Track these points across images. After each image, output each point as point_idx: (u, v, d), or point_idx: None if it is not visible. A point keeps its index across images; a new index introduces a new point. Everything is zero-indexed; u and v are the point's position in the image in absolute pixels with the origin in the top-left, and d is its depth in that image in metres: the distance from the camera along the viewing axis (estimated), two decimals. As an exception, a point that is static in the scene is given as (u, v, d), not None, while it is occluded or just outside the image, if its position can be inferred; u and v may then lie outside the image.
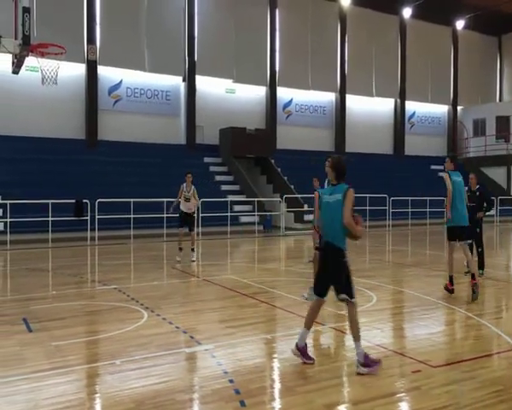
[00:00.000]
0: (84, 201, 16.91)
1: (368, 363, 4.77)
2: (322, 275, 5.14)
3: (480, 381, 4.57)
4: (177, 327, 6.39)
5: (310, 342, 5.84)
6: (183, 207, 12.26)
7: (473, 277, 7.95)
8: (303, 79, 27.93)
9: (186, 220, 12.25)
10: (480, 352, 5.39)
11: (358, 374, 4.73)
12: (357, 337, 4.89)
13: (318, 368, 4.99)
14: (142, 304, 7.55)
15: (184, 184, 12.23)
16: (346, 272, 4.94)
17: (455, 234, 8.13)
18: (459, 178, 8.14)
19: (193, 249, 12.19)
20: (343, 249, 4.97)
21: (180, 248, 12.14)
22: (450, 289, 8.17)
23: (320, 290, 5.13)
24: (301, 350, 5.05)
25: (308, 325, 5.15)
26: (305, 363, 4.99)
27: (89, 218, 16.39)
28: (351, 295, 4.94)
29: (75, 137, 21.97)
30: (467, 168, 30.41)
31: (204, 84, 25.12)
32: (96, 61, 22.33)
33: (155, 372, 4.82)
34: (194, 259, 12.10)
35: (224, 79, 25.60)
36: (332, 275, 5.01)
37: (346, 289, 4.93)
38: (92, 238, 16.14)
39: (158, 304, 7.57)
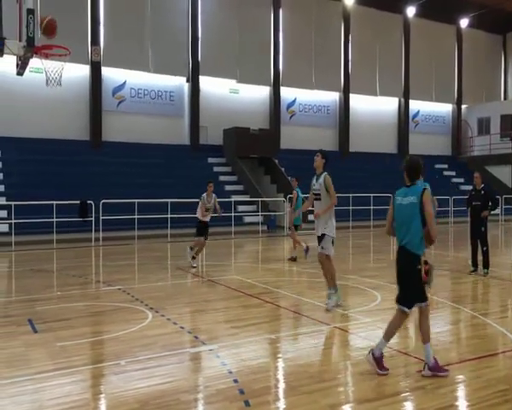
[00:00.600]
0: (89, 202, 16.95)
1: (436, 368, 4.64)
2: (399, 282, 4.91)
3: (485, 380, 4.55)
4: (182, 327, 6.40)
5: (314, 341, 5.84)
6: (201, 216, 11.61)
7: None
8: (307, 78, 27.90)
9: (204, 229, 11.58)
10: (485, 351, 5.37)
11: (423, 376, 4.62)
12: (426, 340, 4.75)
13: (322, 368, 4.98)
14: (146, 305, 7.56)
15: (205, 194, 11.59)
16: (418, 279, 4.73)
17: None
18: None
19: (194, 257, 11.57)
20: (419, 255, 4.74)
21: (194, 257, 11.50)
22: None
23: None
24: (377, 359, 4.81)
25: (387, 336, 4.92)
26: (378, 374, 4.72)
27: (93, 219, 16.43)
28: (422, 300, 4.77)
29: (79, 138, 22.04)
30: (471, 167, 30.33)
31: (208, 84, 25.14)
32: (99, 63, 22.39)
33: (160, 373, 4.83)
34: (195, 265, 11.50)
35: (227, 80, 25.61)
36: (402, 281, 4.84)
37: (414, 297, 4.76)
38: (97, 239, 16.19)
39: (162, 304, 7.58)
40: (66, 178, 18.99)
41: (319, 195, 7.33)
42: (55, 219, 15.81)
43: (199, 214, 11.69)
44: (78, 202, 17.18)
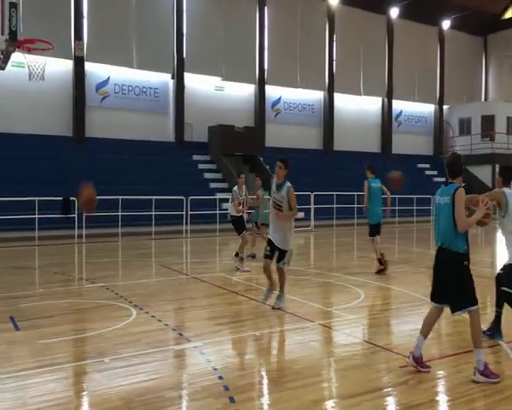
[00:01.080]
0: (72, 198, 16.77)
1: (487, 373, 4.50)
2: (439, 283, 4.76)
3: (466, 375, 4.64)
4: (166, 325, 6.40)
5: (298, 338, 5.89)
6: (233, 211, 10.93)
7: (379, 262, 10.06)
8: (291, 77, 27.99)
9: (242, 224, 10.79)
10: (465, 347, 5.47)
11: (474, 382, 4.49)
12: (478, 345, 4.60)
13: (306, 364, 5.02)
14: (130, 302, 7.53)
15: (236, 187, 10.91)
16: (467, 278, 4.62)
17: (375, 230, 10.19)
18: (377, 185, 10.37)
19: (238, 255, 10.50)
20: (463, 253, 4.61)
21: (241, 258, 10.47)
22: (380, 269, 9.98)
23: (438, 299, 4.80)
24: (417, 360, 4.74)
25: (425, 333, 4.83)
26: (420, 372, 4.69)
27: (76, 215, 16.26)
28: (471, 303, 4.63)
29: (62, 133, 21.78)
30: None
31: (193, 81, 25.05)
32: (83, 58, 22.15)
33: (144, 370, 4.83)
34: (246, 268, 10.38)
35: (212, 77, 25.56)
36: (449, 284, 4.65)
37: (465, 300, 4.62)
38: (80, 236, 16.02)
39: (146, 302, 7.56)
40: (48, 174, 18.75)
41: (280, 206, 7.00)
42: (37, 216, 15.62)
43: (232, 210, 10.92)
44: (61, 198, 16.98)
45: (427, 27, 32.93)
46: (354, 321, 6.60)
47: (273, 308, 7.05)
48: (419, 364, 4.73)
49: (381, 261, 10.03)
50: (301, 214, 21.36)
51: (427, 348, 5.57)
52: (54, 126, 21.54)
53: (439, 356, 5.29)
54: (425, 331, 4.84)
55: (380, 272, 9.97)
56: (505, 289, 5.54)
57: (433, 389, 4.45)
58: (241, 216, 10.94)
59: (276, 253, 7.12)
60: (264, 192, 11.75)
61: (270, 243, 7.13)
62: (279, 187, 7.05)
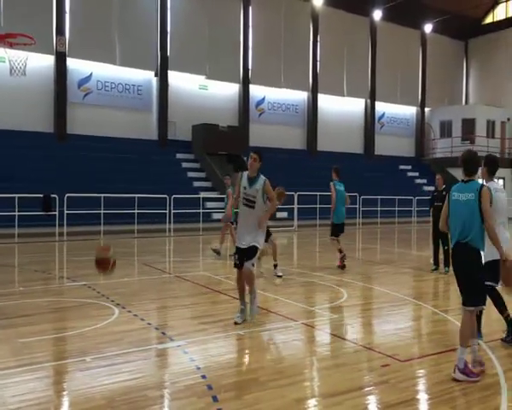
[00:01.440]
0: (53, 195, 16.56)
1: (467, 372, 4.53)
2: (458, 281, 4.75)
3: (446, 374, 4.72)
4: (149, 323, 6.36)
5: (281, 337, 5.91)
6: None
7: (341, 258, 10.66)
8: (275, 77, 28.06)
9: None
10: (445, 346, 5.56)
11: (454, 380, 4.54)
12: (465, 343, 4.61)
13: (290, 363, 5.05)
14: (112, 301, 7.46)
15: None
16: (483, 277, 4.67)
17: (338, 229, 10.80)
18: (342, 187, 10.84)
19: (276, 265, 9.77)
20: (481, 250, 4.65)
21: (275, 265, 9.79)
22: (341, 265, 10.61)
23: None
24: (464, 372, 4.56)
25: (464, 342, 4.65)
26: (470, 381, 4.53)
27: (57, 213, 16.05)
28: (483, 302, 4.67)
29: (43, 130, 21.48)
30: (434, 169, 31.18)
31: (177, 79, 24.93)
32: (65, 53, 21.87)
33: (127, 369, 4.79)
34: (280, 273, 9.65)
35: (196, 75, 25.47)
36: (468, 279, 4.65)
37: (479, 297, 4.64)
38: (61, 234, 15.82)
39: (129, 300, 7.50)
40: (29, 171, 18.47)
41: (253, 202, 6.26)
42: (17, 213, 15.36)
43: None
44: (42, 195, 16.74)
45: (409, 30, 33.32)
46: (337, 321, 6.65)
47: (236, 324, 6.27)
48: (467, 375, 4.55)
49: (342, 259, 10.73)
50: (284, 214, 21.44)
51: (409, 347, 5.66)
52: (35, 122, 21.23)
53: (420, 355, 5.36)
54: (464, 341, 4.68)
55: (342, 267, 10.64)
56: (489, 283, 5.61)
57: (413, 388, 4.52)
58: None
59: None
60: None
61: (237, 251, 6.38)
62: (252, 181, 6.31)
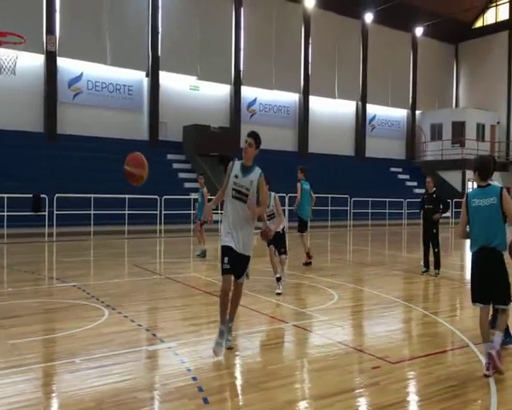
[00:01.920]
0: (42, 196, 16.42)
1: (499, 355, 4.64)
2: (483, 283, 4.80)
3: (436, 376, 4.74)
4: (140, 325, 6.32)
5: (272, 339, 5.90)
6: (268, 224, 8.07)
7: (307, 255, 11.36)
8: (267, 78, 28.10)
9: (274, 239, 7.97)
10: (435, 348, 5.59)
11: (485, 376, 4.63)
12: (487, 338, 4.76)
13: (281, 365, 5.04)
14: (102, 302, 7.41)
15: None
16: (508, 276, 4.74)
17: (304, 226, 11.59)
18: (307, 186, 11.39)
19: (279, 279, 8.42)
20: (503, 253, 4.74)
21: (278, 278, 8.46)
22: (308, 262, 11.26)
23: (485, 299, 4.83)
24: (498, 352, 4.64)
25: (486, 338, 4.79)
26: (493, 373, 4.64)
27: (47, 213, 15.93)
28: (508, 302, 4.76)
29: (33, 129, 21.33)
30: (424, 171, 31.40)
31: (168, 80, 24.86)
32: (55, 53, 21.72)
33: (117, 371, 4.76)
34: (279, 291, 8.28)
35: (188, 76, 25.43)
36: (493, 282, 4.75)
37: (508, 296, 4.76)
38: (50, 234, 15.70)
39: (119, 302, 7.46)
40: (18, 171, 18.33)
41: (245, 196, 5.16)
42: (6, 213, 15.23)
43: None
44: (31, 195, 16.60)
45: (400, 33, 33.55)
46: (328, 322, 6.66)
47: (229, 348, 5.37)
48: (494, 366, 4.62)
49: (309, 255, 11.32)
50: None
51: (399, 348, 5.68)
52: (24, 122, 21.06)
53: (410, 357, 5.38)
54: (485, 336, 4.81)
55: (307, 264, 11.21)
56: None
57: (404, 390, 4.53)
58: (282, 233, 8.74)
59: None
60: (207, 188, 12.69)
61: (226, 251, 5.20)
62: (246, 170, 5.24)
